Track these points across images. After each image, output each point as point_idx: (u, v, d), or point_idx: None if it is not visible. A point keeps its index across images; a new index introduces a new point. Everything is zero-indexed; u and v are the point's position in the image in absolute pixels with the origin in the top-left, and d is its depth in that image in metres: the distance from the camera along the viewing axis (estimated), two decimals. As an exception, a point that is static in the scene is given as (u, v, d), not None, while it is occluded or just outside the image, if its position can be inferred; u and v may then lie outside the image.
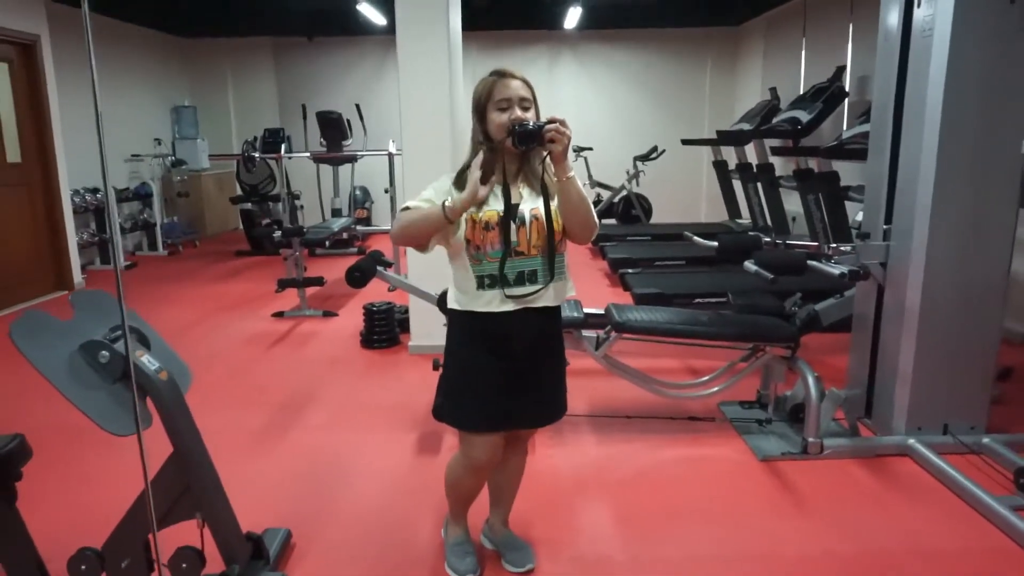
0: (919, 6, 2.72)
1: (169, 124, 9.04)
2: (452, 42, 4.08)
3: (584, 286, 5.98)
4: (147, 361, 1.91)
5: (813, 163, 5.27)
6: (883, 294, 3.01)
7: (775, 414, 3.18)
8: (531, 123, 1.77)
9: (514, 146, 1.79)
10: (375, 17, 7.74)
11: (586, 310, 3.10)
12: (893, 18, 2.91)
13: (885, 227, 2.96)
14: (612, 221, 8.39)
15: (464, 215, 1.85)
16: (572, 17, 7.95)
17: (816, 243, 2.98)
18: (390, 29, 8.38)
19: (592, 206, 1.90)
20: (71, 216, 6.35)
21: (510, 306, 1.87)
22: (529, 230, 1.85)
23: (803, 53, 6.94)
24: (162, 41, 8.92)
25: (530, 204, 1.86)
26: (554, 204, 1.86)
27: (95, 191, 7.03)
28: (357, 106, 8.12)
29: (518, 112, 1.82)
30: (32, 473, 2.11)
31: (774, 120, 6.02)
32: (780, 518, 2.47)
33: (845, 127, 6.03)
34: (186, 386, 2.09)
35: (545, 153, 1.81)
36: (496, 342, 1.92)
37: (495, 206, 1.86)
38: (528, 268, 1.88)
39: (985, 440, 2.85)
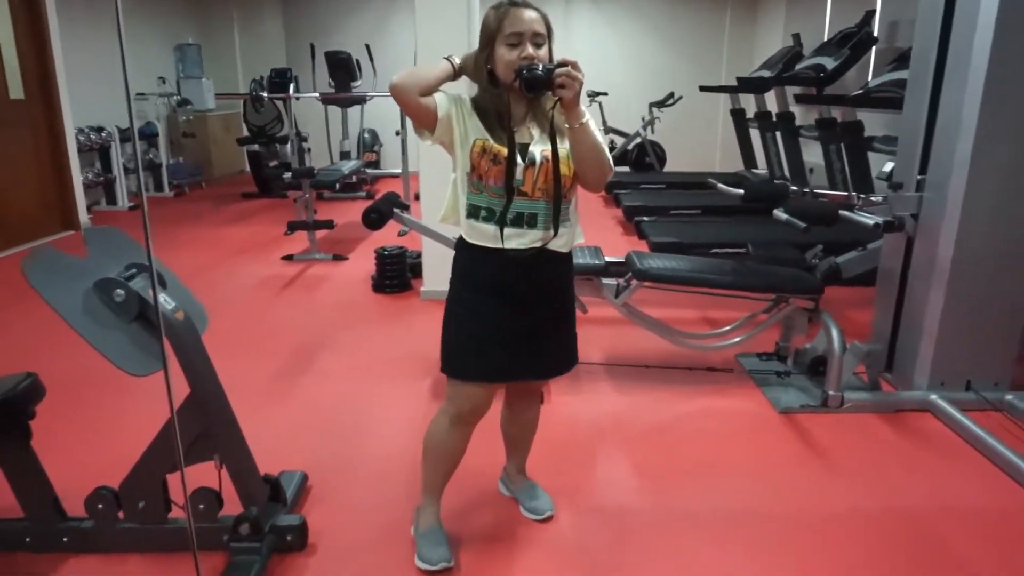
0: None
1: (173, 63, 8.83)
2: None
3: (598, 234, 5.90)
4: (164, 300, 1.85)
5: (836, 112, 5.12)
6: (912, 247, 2.94)
7: (794, 367, 3.14)
8: (540, 67, 1.62)
9: (522, 91, 1.65)
10: (385, -48, 7.47)
11: (607, 258, 3.03)
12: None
13: (919, 178, 2.86)
14: (625, 168, 8.24)
15: (476, 138, 1.72)
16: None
17: (845, 193, 2.88)
18: (401, -35, 8.13)
19: (607, 151, 1.76)
20: (76, 155, 6.24)
21: (514, 244, 1.74)
22: (537, 172, 1.72)
23: (829, -3, 6.70)
24: (165, -25, 8.65)
25: (542, 145, 1.74)
26: (563, 148, 1.73)
27: (100, 130, 6.90)
28: (367, 46, 7.90)
29: (530, 50, 1.66)
30: (47, 413, 2.09)
31: (797, 67, 5.83)
32: (804, 472, 2.44)
33: (872, 75, 5.86)
34: (203, 327, 2.04)
35: (556, 99, 1.65)
36: (498, 283, 1.80)
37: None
38: (529, 211, 1.74)
39: (1008, 397, 2.81)
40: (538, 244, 1.75)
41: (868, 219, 2.62)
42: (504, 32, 1.68)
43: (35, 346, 3.60)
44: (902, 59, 4.52)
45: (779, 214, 2.86)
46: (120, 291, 1.77)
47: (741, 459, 2.53)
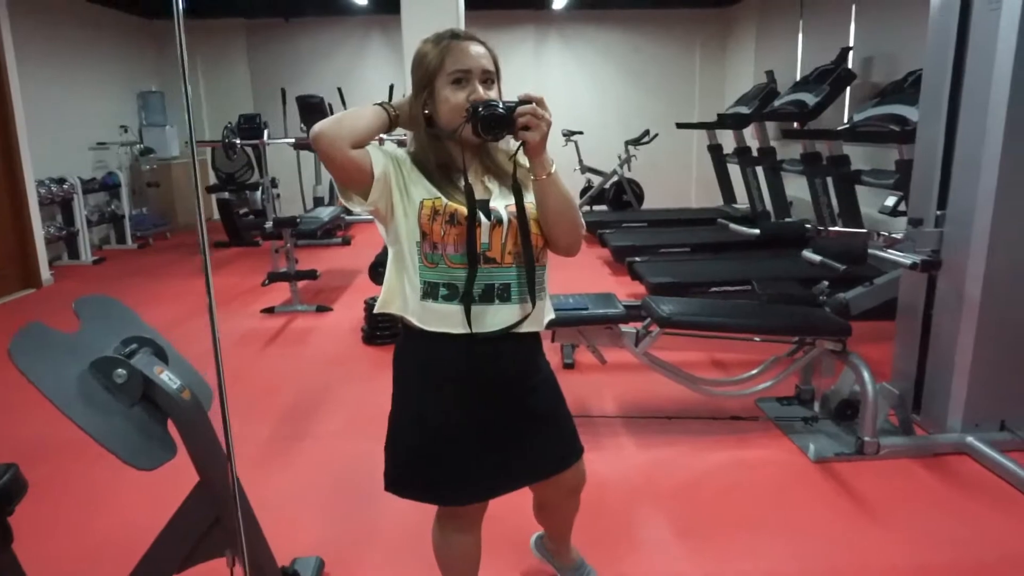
0: (984, -24, 2.54)
1: (135, 110, 8.58)
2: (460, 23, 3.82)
3: (584, 276, 5.78)
4: (167, 379, 1.64)
5: (821, 147, 5.14)
6: (933, 282, 2.86)
7: (821, 411, 3.02)
8: (499, 104, 1.35)
9: (477, 134, 1.36)
10: (356, -4, 7.41)
11: (625, 302, 2.89)
12: (950, -10, 2.73)
13: (938, 213, 2.80)
14: (603, 207, 8.19)
15: (424, 198, 1.41)
16: (561, -3, 7.71)
17: (864, 231, 2.81)
18: (373, 8, 8.06)
19: (578, 209, 1.48)
20: (37, 209, 5.94)
21: (485, 325, 1.43)
22: (506, 232, 1.42)
23: (800, 35, 6.80)
24: (126, 22, 8.44)
25: (504, 200, 1.44)
26: (528, 200, 1.44)
27: (61, 181, 6.60)
28: (339, 90, 7.78)
29: (480, 90, 1.39)
30: (28, 498, 1.84)
31: (776, 103, 5.87)
32: (854, 526, 2.30)
33: (847, 110, 5.92)
34: (208, 404, 1.83)
35: (517, 144, 1.38)
36: (463, 378, 1.48)
37: (461, 197, 1.41)
38: (500, 281, 1.43)
39: (1044, 436, 2.72)
40: (514, 321, 1.45)
41: (905, 258, 2.52)
42: (447, 70, 1.40)
43: (10, 418, 3.30)
44: (885, 93, 4.56)
45: (810, 256, 2.76)
46: (121, 371, 1.56)
47: (784, 514, 2.38)
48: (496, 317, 1.44)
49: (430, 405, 1.51)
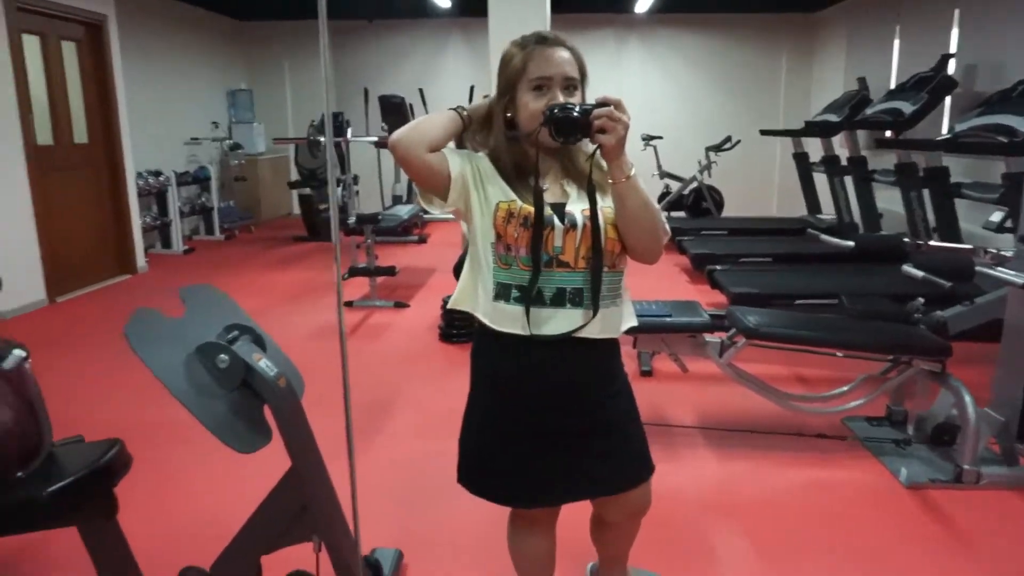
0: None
1: (225, 108, 8.94)
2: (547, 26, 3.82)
3: (662, 283, 5.70)
4: (266, 366, 1.69)
5: (918, 157, 4.90)
6: (1045, 304, 2.68)
7: (915, 434, 2.88)
8: (575, 107, 1.34)
9: (552, 137, 1.36)
10: (440, -1, 7.51)
11: (709, 311, 2.83)
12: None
13: (1054, 229, 2.63)
14: (682, 214, 8.05)
15: (500, 200, 1.42)
16: (644, 1, 7.61)
17: (969, 247, 2.66)
18: (455, 11, 8.17)
19: (661, 214, 1.44)
20: (135, 199, 6.25)
21: (550, 329, 1.42)
22: (580, 236, 1.41)
23: (896, 41, 6.52)
24: (219, 23, 8.81)
25: (582, 204, 1.43)
26: (605, 205, 1.43)
27: (157, 174, 6.93)
28: (420, 91, 7.91)
29: (560, 97, 1.39)
30: (126, 477, 1.93)
31: (869, 111, 5.64)
32: (945, 557, 2.18)
33: (947, 120, 5.64)
34: (300, 393, 1.88)
35: (594, 147, 1.36)
36: (525, 383, 1.48)
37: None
38: (572, 285, 1.42)
39: None
40: (577, 327, 1.42)
41: (1018, 278, 2.37)
42: (529, 76, 1.40)
43: (100, 394, 3.48)
44: (990, 103, 4.32)
45: (912, 271, 2.64)
46: (224, 356, 1.61)
47: (871, 540, 2.27)
48: (566, 321, 1.43)
49: (495, 406, 1.53)
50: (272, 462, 1.70)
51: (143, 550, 1.90)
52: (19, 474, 1.68)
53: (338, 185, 7.49)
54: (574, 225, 1.41)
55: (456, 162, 1.43)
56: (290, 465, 1.72)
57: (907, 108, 5.10)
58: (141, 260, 6.27)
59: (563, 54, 1.41)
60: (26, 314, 4.89)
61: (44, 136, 5.31)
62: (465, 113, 1.47)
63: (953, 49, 5.63)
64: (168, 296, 1.89)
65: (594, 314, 1.43)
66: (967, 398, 2.52)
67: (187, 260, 6.89)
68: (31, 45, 5.16)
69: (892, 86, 6.13)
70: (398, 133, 1.40)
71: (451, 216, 1.51)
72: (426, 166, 1.40)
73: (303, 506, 1.76)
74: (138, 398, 3.37)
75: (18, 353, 1.80)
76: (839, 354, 2.80)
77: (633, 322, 1.55)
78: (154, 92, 7.26)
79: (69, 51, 5.59)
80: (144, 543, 1.95)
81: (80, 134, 5.74)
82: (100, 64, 5.86)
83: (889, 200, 5.86)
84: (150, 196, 6.90)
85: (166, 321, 1.68)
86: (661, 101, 8.85)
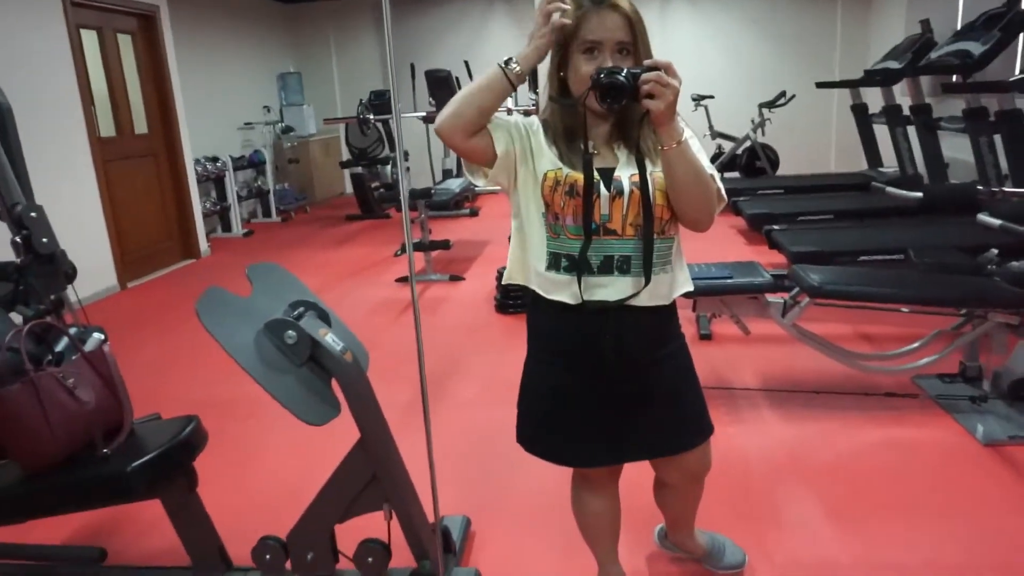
0: None
1: (276, 91, 9.08)
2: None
3: (717, 246, 5.59)
4: (332, 341, 1.73)
5: (988, 101, 4.65)
6: None
7: (992, 390, 2.77)
8: (623, 71, 1.29)
9: (599, 102, 1.33)
10: (481, -32, 7.42)
11: (770, 271, 2.77)
12: None
13: None
14: (735, 174, 7.86)
15: (548, 170, 1.41)
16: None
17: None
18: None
19: (712, 179, 1.40)
20: (195, 185, 6.43)
21: (600, 296, 1.42)
22: (627, 203, 1.39)
23: (963, -23, 6.17)
24: (266, 7, 8.91)
25: (630, 170, 1.40)
26: (655, 171, 1.40)
27: (215, 160, 7.11)
28: (466, 63, 7.87)
29: (609, 61, 1.35)
30: (205, 451, 2.01)
31: (934, 55, 5.36)
32: (1030, 516, 2.11)
33: (1020, 60, 5.33)
34: (365, 366, 1.92)
35: (643, 112, 1.33)
36: (578, 349, 1.48)
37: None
38: (620, 253, 1.40)
39: None
40: (627, 296, 1.41)
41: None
42: (581, 37, 1.36)
43: (176, 373, 3.62)
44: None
45: (988, 219, 2.53)
46: (292, 332, 1.66)
47: (948, 499, 2.22)
48: (614, 288, 1.42)
49: (549, 371, 1.54)
50: (343, 433, 1.75)
51: (223, 520, 1.99)
52: (105, 451, 1.77)
53: (388, 163, 7.56)
54: (620, 192, 1.39)
55: (502, 139, 1.42)
56: (359, 436, 1.77)
57: (977, 49, 4.82)
58: (204, 244, 6.47)
59: (616, 19, 1.36)
60: (100, 300, 5.12)
61: (107, 128, 5.49)
62: (516, 70, 1.36)
63: (1026, -17, 5.28)
64: (231, 278, 1.94)
65: (646, 282, 1.41)
66: (1048, 351, 2.41)
67: (247, 243, 7.07)
68: (89, 40, 5.32)
69: (959, 27, 5.80)
70: (440, 118, 1.39)
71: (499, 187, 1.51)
72: (471, 150, 1.41)
73: (373, 475, 1.81)
74: (211, 375, 3.50)
75: (97, 336, 1.88)
76: (905, 310, 2.71)
77: (688, 287, 1.53)
78: (207, 79, 7.42)
79: (125, 44, 5.74)
80: (223, 514, 2.04)
81: (140, 124, 5.92)
82: (155, 55, 6.01)
83: (955, 148, 5.59)
84: (209, 182, 7.08)
85: (235, 299, 1.73)
86: (711, 59, 8.59)
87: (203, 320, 1.57)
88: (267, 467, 2.67)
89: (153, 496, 1.83)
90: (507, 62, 1.36)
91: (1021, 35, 5.12)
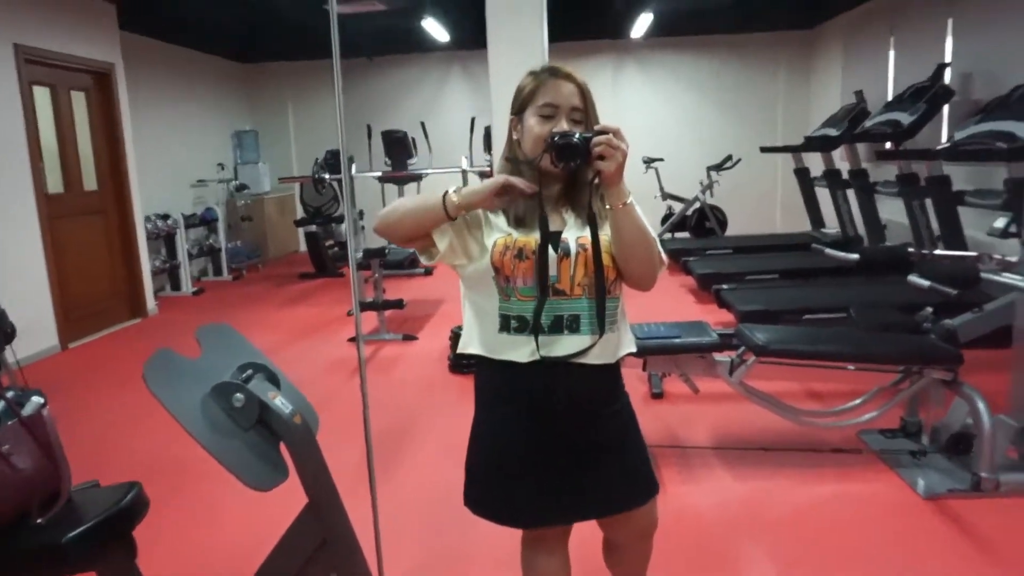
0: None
1: (231, 149, 9.07)
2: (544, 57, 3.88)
3: (669, 305, 5.71)
4: (281, 403, 1.71)
5: (919, 167, 4.93)
6: (1054, 309, 2.68)
7: (930, 445, 2.86)
8: (575, 135, 1.38)
9: (553, 163, 1.40)
10: (438, 34, 7.64)
11: (717, 330, 2.84)
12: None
13: (1059, 234, 2.64)
14: (686, 235, 8.08)
15: (498, 237, 1.46)
16: (641, 25, 7.73)
17: (973, 254, 2.67)
18: (453, 45, 8.30)
19: (656, 240, 1.46)
20: (145, 243, 6.33)
21: (553, 355, 1.45)
22: (574, 263, 1.44)
23: (891, 53, 6.58)
24: (223, 67, 8.98)
25: (576, 232, 1.46)
26: (604, 234, 1.45)
27: (166, 217, 7.02)
28: (422, 124, 8.00)
29: (564, 125, 1.44)
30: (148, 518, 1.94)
31: (868, 124, 5.67)
32: (971, 567, 2.16)
33: (945, 128, 5.67)
34: (315, 429, 1.89)
35: (593, 174, 1.41)
36: (527, 408, 1.50)
37: (535, 231, 1.44)
38: (569, 312, 1.45)
39: None
40: (581, 350, 1.45)
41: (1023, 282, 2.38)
42: (538, 102, 1.46)
43: (118, 437, 3.49)
44: (988, 110, 4.36)
45: (918, 280, 2.65)
46: (240, 395, 1.64)
47: (895, 553, 2.26)
48: (563, 347, 1.45)
49: (497, 429, 1.56)
50: (293, 497, 1.71)
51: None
52: (39, 520, 1.69)
53: (341, 222, 7.57)
54: (568, 253, 1.44)
55: (444, 238, 1.46)
56: (307, 501, 1.73)
57: (906, 119, 5.14)
58: (151, 303, 6.33)
59: (571, 87, 1.46)
60: (40, 361, 4.94)
61: (55, 184, 5.40)
62: (455, 201, 1.41)
63: (948, 58, 5.68)
64: (178, 337, 1.91)
65: (600, 336, 1.45)
66: (981, 405, 2.52)
67: (196, 301, 6.94)
68: (42, 96, 5.27)
69: (889, 98, 6.17)
70: (379, 221, 1.47)
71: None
72: (411, 246, 1.52)
73: (322, 541, 1.77)
74: (158, 439, 3.39)
75: (36, 400, 1.82)
76: (851, 367, 2.80)
77: (632, 348, 1.58)
78: (161, 137, 7.39)
79: (78, 100, 5.70)
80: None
81: (90, 181, 5.83)
82: (108, 112, 5.97)
83: (892, 211, 5.88)
84: (159, 239, 6.98)
85: (183, 361, 1.71)
86: (661, 123, 8.92)
87: (149, 382, 1.54)
88: (215, 533, 2.58)
89: (90, 568, 1.74)
90: (445, 194, 1.43)
91: (946, 107, 5.48)
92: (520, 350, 1.46)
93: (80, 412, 3.88)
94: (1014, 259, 2.65)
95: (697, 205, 7.96)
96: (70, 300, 5.37)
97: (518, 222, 1.48)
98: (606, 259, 1.45)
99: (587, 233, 1.45)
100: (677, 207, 8.14)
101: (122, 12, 6.04)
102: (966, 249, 4.58)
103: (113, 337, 5.65)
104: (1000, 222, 3.27)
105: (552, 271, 1.44)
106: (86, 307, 5.59)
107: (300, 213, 8.30)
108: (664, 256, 1.49)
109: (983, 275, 2.50)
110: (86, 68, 5.68)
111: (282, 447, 1.69)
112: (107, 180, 6.00)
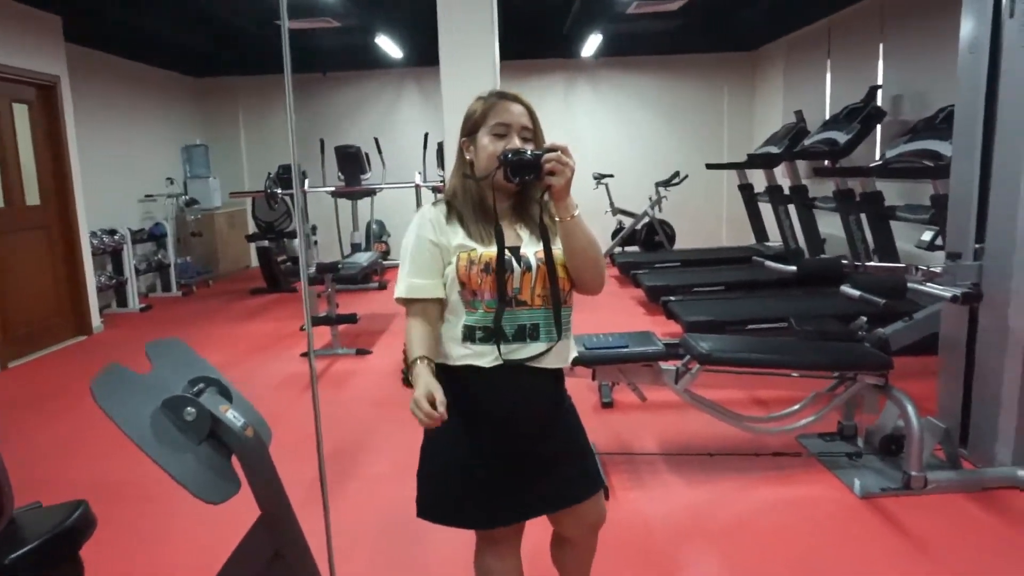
0: (1012, 16, 2.60)
1: (180, 163, 8.93)
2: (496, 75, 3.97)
3: (619, 317, 5.82)
4: (232, 417, 1.72)
5: (854, 184, 5.16)
6: (976, 316, 2.85)
7: (865, 447, 3.00)
8: (527, 151, 1.49)
9: (506, 179, 1.51)
10: (391, 50, 7.68)
11: (664, 340, 2.93)
12: (978, 30, 2.79)
13: (977, 246, 2.81)
14: (635, 248, 8.25)
15: (459, 251, 1.55)
16: (591, 45, 7.90)
17: (902, 266, 2.83)
18: (407, 62, 8.35)
19: (599, 248, 1.60)
20: (90, 259, 6.19)
21: (514, 360, 1.55)
22: (535, 277, 1.55)
23: (828, 75, 6.88)
24: (173, 80, 8.85)
25: (533, 247, 1.58)
26: (556, 247, 1.57)
27: (112, 232, 6.87)
28: (376, 140, 8.02)
29: (516, 142, 1.54)
30: (95, 536, 1.92)
31: (807, 142, 5.91)
32: (904, 562, 2.27)
33: (879, 147, 5.94)
34: (268, 442, 1.91)
35: (543, 190, 1.53)
36: (484, 410, 1.59)
37: (494, 245, 1.55)
38: (530, 322, 1.56)
39: (1097, 469, 2.67)
40: (540, 353, 1.56)
41: (945, 291, 2.54)
42: (489, 123, 1.57)
43: (63, 457, 3.41)
44: (916, 130, 4.60)
45: (850, 291, 2.79)
46: (191, 409, 1.64)
47: (834, 552, 2.37)
48: (523, 353, 1.57)
49: (452, 433, 1.59)
50: (246, 514, 1.72)
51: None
52: (-17, 541, 1.67)
53: (293, 237, 7.52)
54: (529, 268, 1.55)
55: (440, 286, 1.59)
56: (259, 514, 1.74)
57: (841, 138, 5.37)
58: (97, 320, 6.18)
59: (520, 108, 1.58)
60: (-22, 381, 4.78)
61: (-6, 200, 5.26)
62: (413, 370, 1.56)
63: (880, 81, 5.97)
64: (125, 354, 1.91)
65: (559, 339, 1.57)
66: (910, 408, 2.65)
67: (144, 318, 6.80)
68: (-20, 110, 5.14)
69: (827, 117, 6.44)
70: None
71: None
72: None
73: (275, 553, 1.78)
74: (101, 459, 3.32)
75: (-20, 418, 1.80)
76: (794, 374, 2.93)
77: (575, 353, 1.71)
78: (108, 151, 7.24)
79: (20, 113, 5.57)
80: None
81: (32, 196, 5.69)
82: (53, 125, 5.84)
83: (831, 225, 6.12)
84: (105, 255, 6.82)
85: (133, 376, 1.71)
86: (610, 141, 9.11)
87: (97, 397, 1.54)
88: (165, 551, 2.54)
89: (35, 588, 1.72)
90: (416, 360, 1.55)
91: (878, 126, 5.74)
92: (484, 357, 1.56)
93: (20, 433, 3.78)
94: (938, 270, 2.81)
95: (646, 220, 8.14)
96: (10, 318, 5.22)
97: (474, 233, 1.57)
98: (561, 271, 1.57)
99: (540, 247, 1.55)
100: (627, 222, 8.32)
101: (69, 24, 5.93)
102: (899, 261, 4.82)
103: (56, 356, 5.50)
104: (927, 235, 3.46)
105: (516, 284, 1.55)
106: (27, 325, 5.43)
107: (252, 228, 8.22)
108: (603, 260, 1.63)
109: (910, 285, 2.65)
110: (29, 80, 5.56)
111: (234, 460, 1.71)
112: (51, 195, 5.86)
